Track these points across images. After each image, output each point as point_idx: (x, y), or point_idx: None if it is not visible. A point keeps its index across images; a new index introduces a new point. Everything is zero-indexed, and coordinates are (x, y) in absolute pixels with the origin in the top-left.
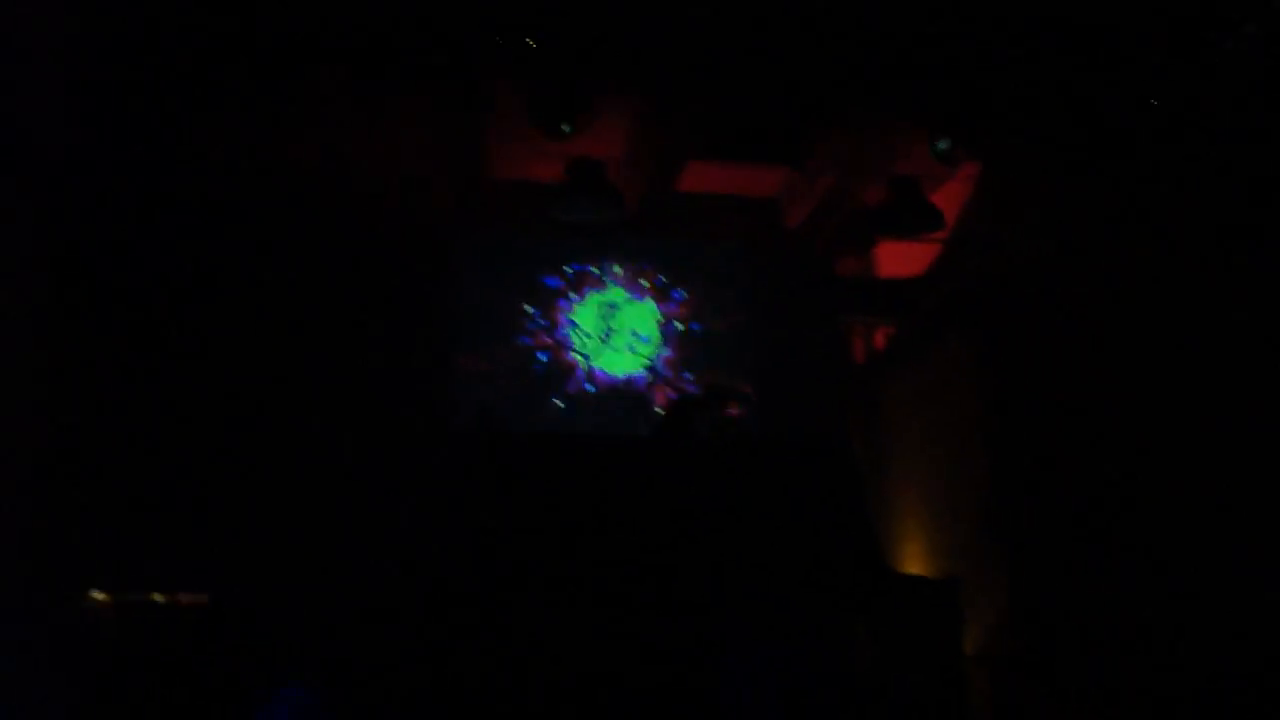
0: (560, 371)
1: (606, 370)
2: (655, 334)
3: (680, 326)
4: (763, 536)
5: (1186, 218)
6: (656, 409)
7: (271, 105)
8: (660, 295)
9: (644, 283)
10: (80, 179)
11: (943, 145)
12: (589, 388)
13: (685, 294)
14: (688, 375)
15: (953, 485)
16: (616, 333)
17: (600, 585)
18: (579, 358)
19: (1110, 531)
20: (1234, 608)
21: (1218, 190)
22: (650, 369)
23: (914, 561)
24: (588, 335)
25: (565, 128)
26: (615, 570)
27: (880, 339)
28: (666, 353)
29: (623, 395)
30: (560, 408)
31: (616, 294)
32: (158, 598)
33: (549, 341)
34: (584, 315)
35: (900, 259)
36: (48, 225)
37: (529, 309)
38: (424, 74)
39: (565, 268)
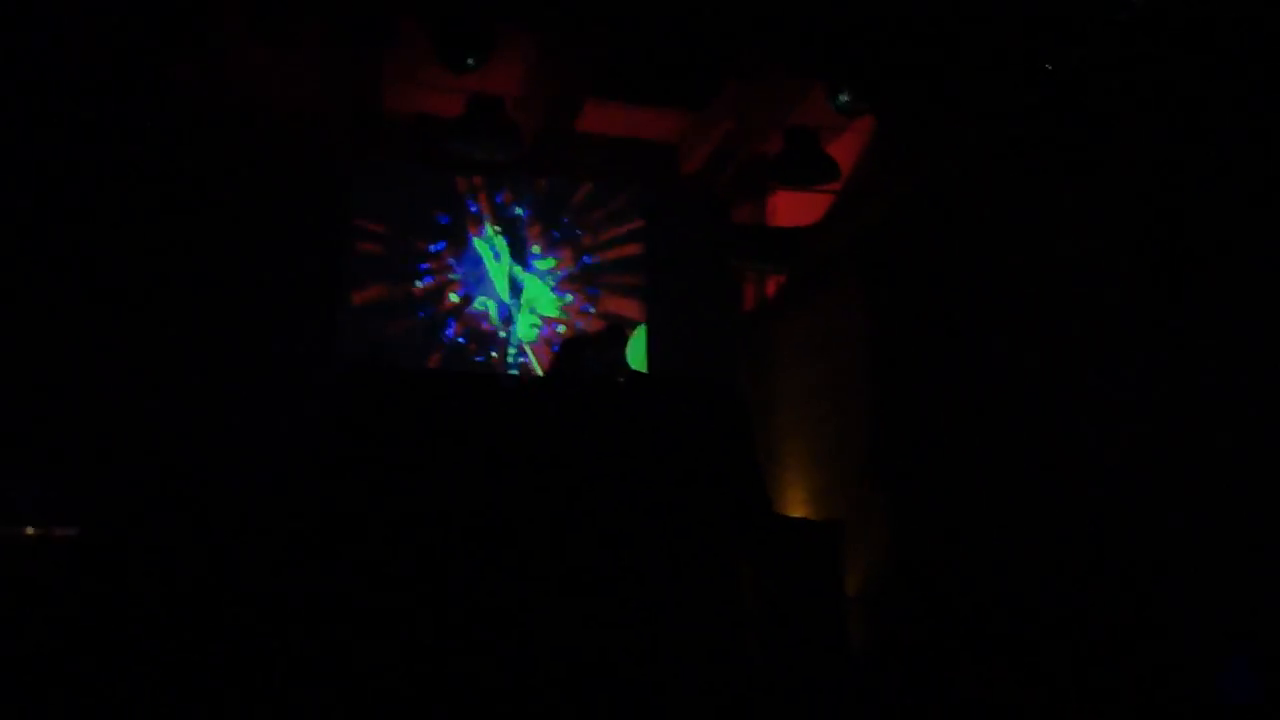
0: (452, 311)
1: (498, 309)
2: (549, 276)
3: (575, 266)
4: (650, 475)
5: (1066, 169)
6: (549, 350)
7: (166, 28)
8: (556, 235)
9: (540, 222)
10: None
11: (844, 98)
12: (481, 327)
13: (581, 234)
14: (583, 312)
15: (836, 431)
16: (510, 272)
17: (487, 522)
18: (473, 298)
19: (986, 478)
20: (1095, 551)
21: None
22: (537, 313)
23: (798, 507)
24: (481, 275)
25: (470, 61)
26: (502, 507)
27: (772, 287)
28: (560, 294)
29: (510, 334)
30: (449, 346)
31: (512, 233)
32: (30, 531)
33: (442, 280)
34: (479, 253)
35: (796, 208)
36: None
37: (424, 246)
38: (325, 3)
39: (461, 205)
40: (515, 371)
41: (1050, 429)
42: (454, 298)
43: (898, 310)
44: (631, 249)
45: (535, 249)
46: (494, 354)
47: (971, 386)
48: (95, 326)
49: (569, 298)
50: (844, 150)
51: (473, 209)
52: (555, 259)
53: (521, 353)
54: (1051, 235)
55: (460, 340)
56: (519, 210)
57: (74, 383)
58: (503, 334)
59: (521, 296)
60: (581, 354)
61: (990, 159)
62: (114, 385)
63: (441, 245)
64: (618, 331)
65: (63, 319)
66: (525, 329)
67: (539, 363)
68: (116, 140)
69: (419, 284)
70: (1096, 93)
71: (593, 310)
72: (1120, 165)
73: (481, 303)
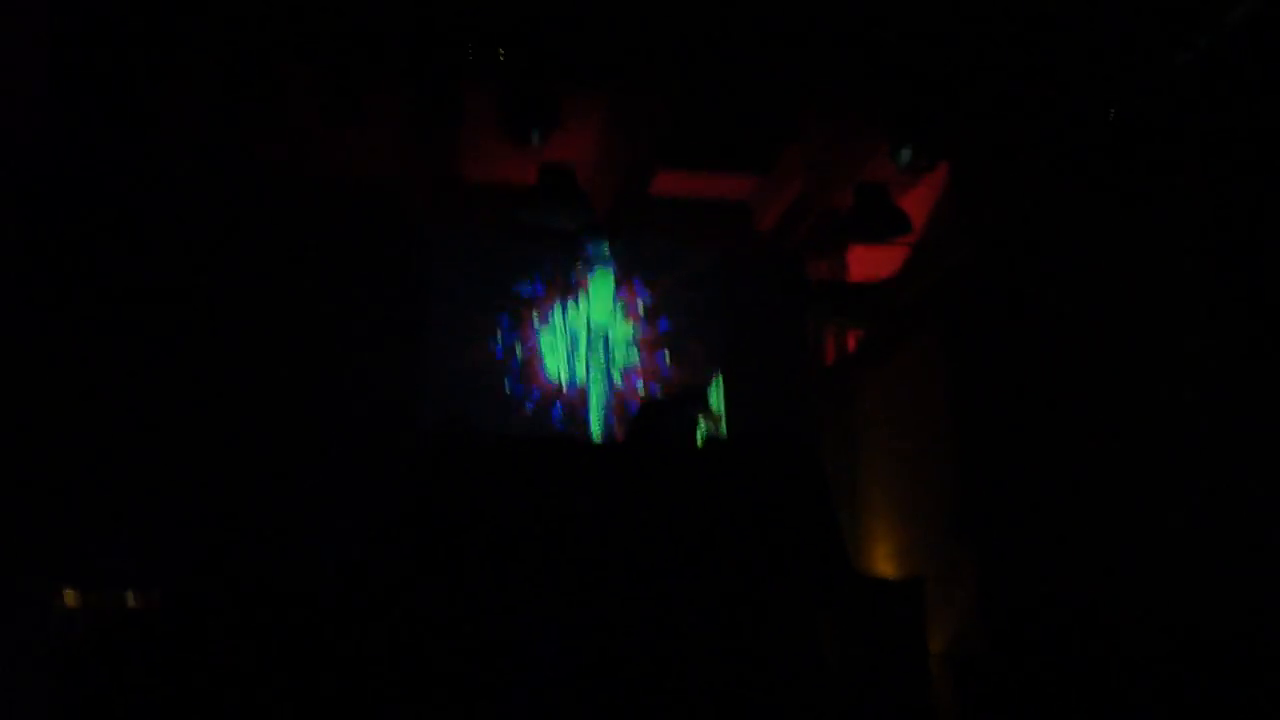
0: (531, 376)
1: (576, 375)
2: (626, 338)
3: (652, 330)
4: (730, 537)
5: (1146, 217)
6: (628, 413)
7: (244, 104)
8: (632, 299)
9: (615, 286)
10: (57, 180)
11: (905, 155)
12: (560, 392)
13: (657, 297)
14: (658, 380)
15: (920, 486)
16: (588, 336)
17: (570, 584)
18: (551, 363)
19: (1076, 531)
20: (1200, 606)
21: (1176, 190)
22: (621, 373)
23: (884, 562)
24: (558, 339)
25: (534, 136)
26: (584, 570)
27: (852, 341)
28: (638, 357)
29: (591, 402)
30: (528, 412)
31: (589, 297)
32: (129, 597)
33: (520, 346)
34: (555, 319)
35: (871, 262)
36: (26, 224)
37: (502, 313)
38: (394, 80)
39: (537, 271)
40: (594, 435)
41: (1145, 478)
42: (532, 363)
43: (980, 361)
44: (708, 309)
45: (612, 312)
46: (573, 418)
47: (1061, 437)
48: (182, 395)
49: (647, 360)
50: (917, 202)
51: (550, 275)
52: (632, 322)
53: (602, 416)
54: (1132, 278)
55: (539, 406)
56: (595, 274)
57: (171, 450)
58: (580, 398)
59: (600, 360)
60: (659, 418)
61: (1064, 205)
62: (200, 452)
63: (520, 312)
64: (695, 395)
65: (151, 388)
66: (603, 393)
67: (617, 426)
68: (203, 215)
69: (497, 350)
70: (1166, 134)
71: (670, 372)
72: (1193, 204)
73: (560, 368)
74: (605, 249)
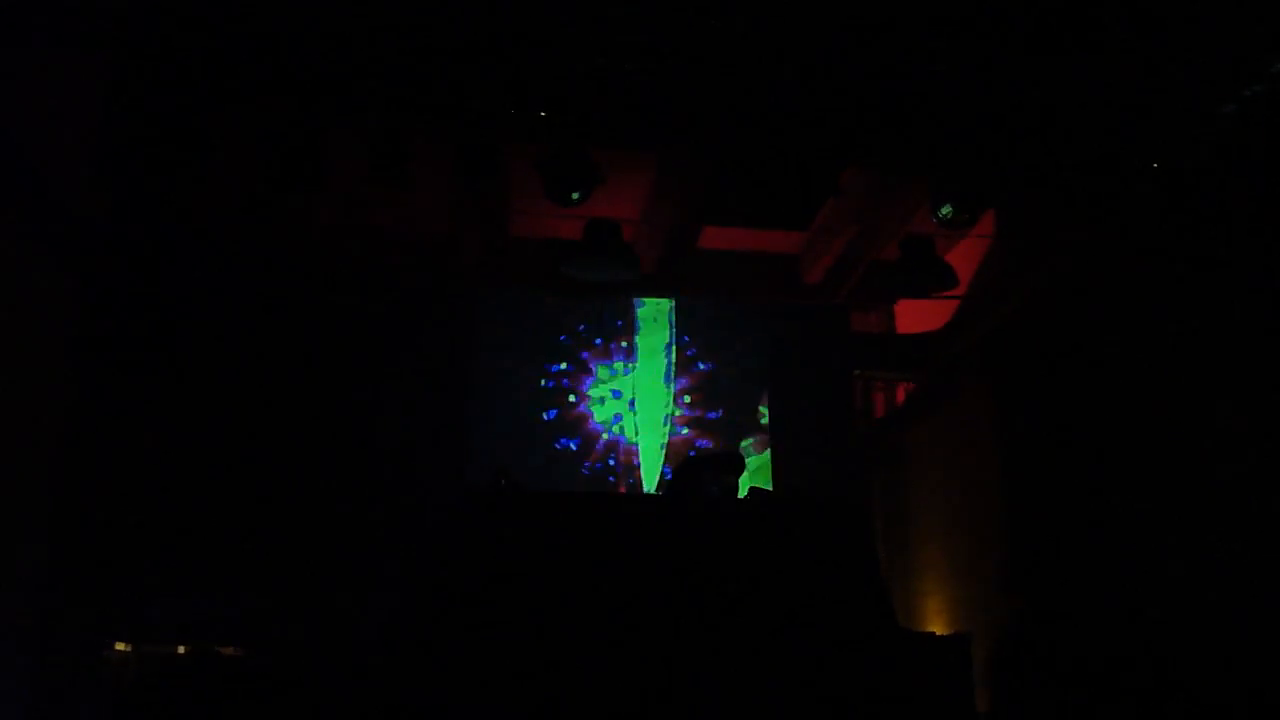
0: (578, 431)
1: (623, 431)
2: (671, 392)
3: (698, 384)
4: (774, 594)
5: (1196, 265)
6: (669, 468)
7: (292, 169)
8: (679, 353)
9: (662, 341)
10: (110, 247)
11: (945, 211)
12: (607, 446)
13: (704, 351)
14: (704, 433)
15: (971, 540)
16: (634, 392)
17: (616, 638)
18: (598, 418)
19: (1137, 587)
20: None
21: (1226, 238)
22: (668, 428)
23: (935, 618)
24: (605, 395)
25: (574, 195)
26: (631, 624)
27: (901, 394)
28: (683, 411)
29: (639, 456)
30: (575, 466)
31: (636, 353)
32: (180, 649)
33: (568, 401)
34: (601, 375)
35: (921, 315)
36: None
37: (550, 368)
38: (439, 141)
39: (583, 327)
40: (644, 489)
41: (1203, 533)
42: (581, 418)
43: (1031, 413)
44: (755, 362)
45: (658, 366)
46: (618, 473)
47: (1114, 490)
48: (243, 457)
49: (692, 415)
50: (963, 255)
51: (598, 330)
52: (679, 376)
53: (650, 471)
54: (1183, 327)
55: (587, 460)
56: (641, 329)
57: (224, 508)
58: (628, 453)
59: (645, 415)
60: (700, 475)
61: (1112, 258)
62: (259, 511)
63: (569, 367)
64: (735, 457)
65: (216, 451)
66: (650, 448)
67: (660, 481)
68: (254, 276)
69: (545, 405)
70: (1213, 185)
71: (717, 423)
72: (1243, 253)
73: (607, 422)
74: (653, 304)
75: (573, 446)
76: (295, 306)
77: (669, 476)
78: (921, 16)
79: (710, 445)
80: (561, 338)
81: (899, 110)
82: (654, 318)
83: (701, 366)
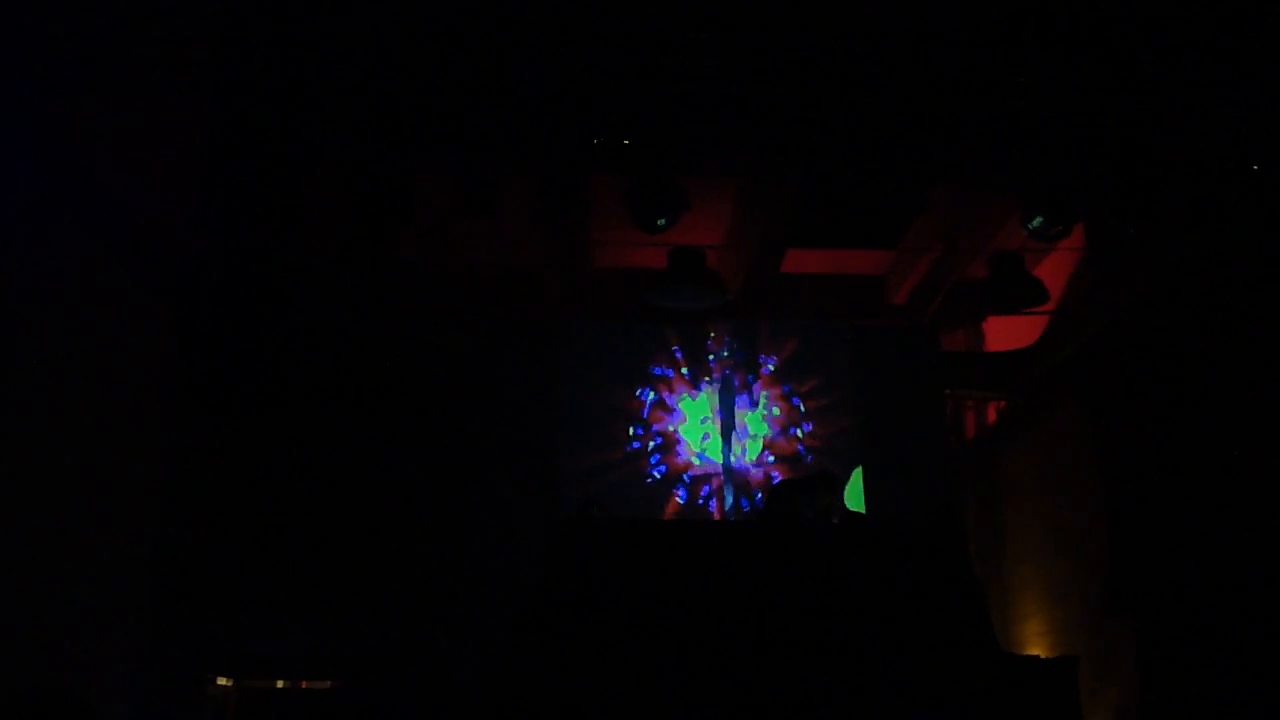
0: (667, 459)
1: (714, 457)
2: (763, 418)
3: (788, 409)
4: (872, 619)
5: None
6: (760, 493)
7: (381, 202)
8: (767, 379)
9: (751, 365)
10: (207, 290)
11: (1036, 223)
12: (696, 474)
13: (792, 375)
14: (798, 453)
15: (1071, 561)
16: (723, 418)
17: (709, 665)
18: (687, 446)
19: (1240, 606)
20: None
21: None
22: (758, 454)
23: (1035, 641)
24: (694, 422)
25: (660, 222)
26: (723, 652)
27: (992, 413)
28: (774, 436)
29: (731, 483)
30: (665, 495)
31: (724, 379)
32: (280, 684)
33: (656, 429)
34: (690, 404)
35: (1011, 332)
36: (179, 331)
37: (637, 397)
38: (524, 172)
39: (671, 354)
40: (730, 517)
41: None
42: (670, 446)
43: (1129, 429)
44: (844, 385)
45: (747, 393)
46: (709, 500)
47: (1219, 507)
48: (336, 491)
49: (783, 441)
50: (1054, 270)
51: (684, 358)
52: (768, 401)
53: (740, 497)
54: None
55: (675, 488)
56: (730, 355)
57: (319, 543)
58: (719, 480)
59: (736, 442)
60: (793, 499)
61: (1206, 267)
62: (354, 546)
63: (656, 396)
64: (830, 478)
65: (310, 485)
66: (740, 473)
67: (752, 507)
68: (345, 311)
69: (634, 434)
70: None
71: (807, 451)
72: None
73: (697, 450)
74: (740, 328)
75: (661, 475)
76: (385, 344)
77: (761, 501)
78: (1008, 29)
79: (801, 468)
80: (651, 367)
81: (988, 123)
82: (740, 343)
83: (789, 391)
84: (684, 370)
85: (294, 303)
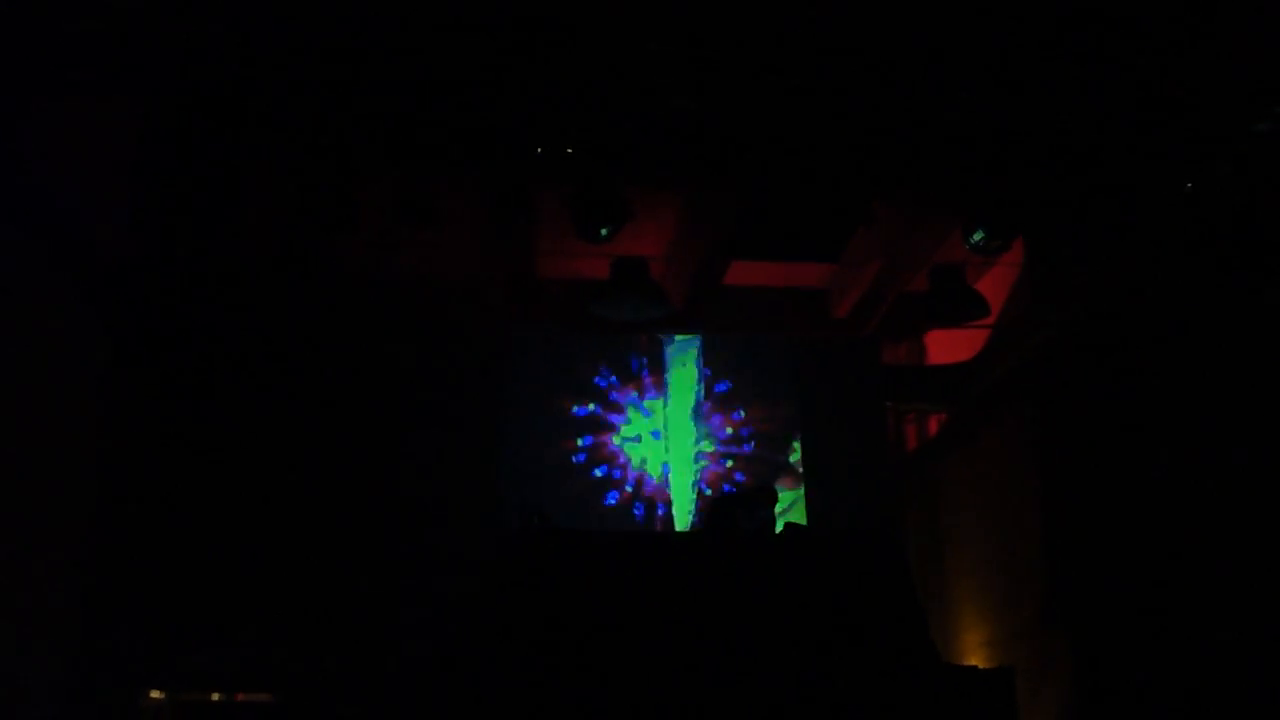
0: (609, 470)
1: (654, 469)
2: (703, 430)
3: (729, 420)
4: (812, 631)
5: (1232, 289)
6: (704, 506)
7: (321, 211)
8: (708, 390)
9: (692, 378)
10: (141, 290)
11: (978, 237)
12: (638, 486)
13: (734, 387)
14: (738, 469)
15: (1010, 573)
16: (664, 429)
17: (651, 678)
18: (629, 457)
19: (1176, 619)
20: None
21: (1263, 259)
22: (700, 466)
23: (976, 651)
24: (635, 434)
25: (604, 232)
26: (666, 663)
27: (934, 426)
28: (715, 448)
29: (671, 495)
30: (606, 506)
31: (665, 390)
32: (216, 697)
33: (596, 440)
34: (631, 414)
35: (952, 345)
36: (110, 331)
37: (581, 408)
38: (466, 182)
39: (616, 366)
40: (671, 528)
41: (1246, 561)
42: (612, 457)
43: (1069, 442)
44: (785, 398)
45: (688, 404)
46: (650, 512)
47: (1156, 519)
48: (272, 501)
49: (725, 452)
50: (994, 284)
51: (628, 369)
52: (708, 413)
53: (683, 509)
54: (1225, 350)
55: (620, 499)
56: (670, 366)
57: (253, 553)
58: (661, 491)
59: (676, 453)
60: (732, 512)
61: (1145, 281)
62: (289, 555)
63: (598, 407)
64: (769, 492)
65: (244, 494)
66: (681, 485)
67: (692, 519)
68: (284, 319)
69: (578, 445)
70: (1247, 206)
71: (747, 459)
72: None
73: (638, 462)
74: (681, 341)
75: (604, 486)
76: (325, 348)
77: (701, 514)
78: (948, 43)
79: (743, 481)
80: (591, 378)
81: (929, 137)
82: (682, 355)
83: (731, 403)
84: (625, 381)
85: (231, 309)
